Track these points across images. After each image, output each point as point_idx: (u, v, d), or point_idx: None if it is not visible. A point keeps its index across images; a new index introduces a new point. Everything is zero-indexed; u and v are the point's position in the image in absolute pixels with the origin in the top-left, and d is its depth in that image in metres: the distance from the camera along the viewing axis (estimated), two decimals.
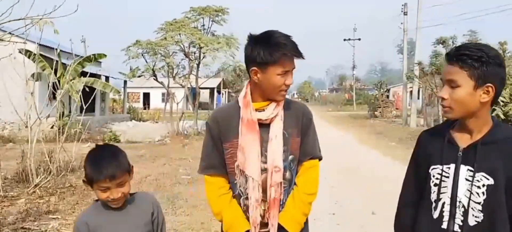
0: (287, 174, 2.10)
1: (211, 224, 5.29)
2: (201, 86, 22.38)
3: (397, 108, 34.20)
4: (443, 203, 1.76)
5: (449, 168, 1.75)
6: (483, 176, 1.69)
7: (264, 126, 2.07)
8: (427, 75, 21.53)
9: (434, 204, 1.78)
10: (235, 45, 20.54)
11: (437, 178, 1.78)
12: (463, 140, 1.77)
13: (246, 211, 2.11)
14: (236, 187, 2.11)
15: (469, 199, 1.70)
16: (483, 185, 1.69)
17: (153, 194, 2.16)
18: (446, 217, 1.75)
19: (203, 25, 20.50)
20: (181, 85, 21.78)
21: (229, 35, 20.66)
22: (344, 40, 50.14)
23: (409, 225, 1.88)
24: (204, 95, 44.46)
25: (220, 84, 49.92)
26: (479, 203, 1.69)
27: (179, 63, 21.33)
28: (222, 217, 2.14)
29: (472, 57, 1.66)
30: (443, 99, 1.73)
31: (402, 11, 27.37)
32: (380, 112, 31.73)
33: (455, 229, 1.73)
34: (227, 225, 2.12)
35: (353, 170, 9.52)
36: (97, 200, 2.02)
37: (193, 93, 21.17)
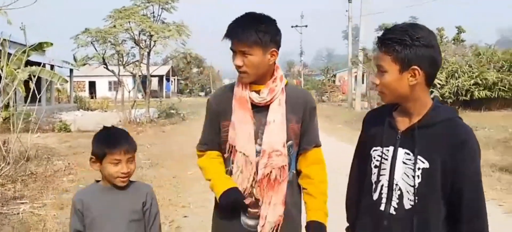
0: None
1: (178, 200, 5.65)
2: (151, 74, 22.32)
3: (343, 93, 35.58)
4: (382, 186, 1.74)
5: (388, 150, 1.73)
6: (419, 159, 1.65)
7: (261, 109, 2.04)
8: (370, 60, 22.63)
9: (374, 186, 1.76)
10: (186, 33, 20.64)
11: (377, 160, 1.76)
12: (402, 123, 1.73)
13: None
14: (229, 163, 2.10)
15: (405, 182, 1.68)
16: (419, 169, 1.65)
17: (150, 186, 2.25)
18: (383, 200, 1.72)
19: (153, 13, 20.41)
20: (131, 73, 21.64)
21: (180, 22, 20.73)
22: (292, 27, 51.05)
23: (355, 201, 1.90)
24: (153, 83, 43.93)
25: (169, 71, 49.53)
26: (413, 187, 1.65)
27: (129, 51, 21.21)
28: (211, 176, 2.13)
29: (395, 41, 1.62)
30: (375, 84, 1.74)
31: None
32: (327, 96, 32.90)
33: (391, 212, 1.70)
34: (214, 179, 2.11)
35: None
36: (97, 181, 2.12)
37: (143, 81, 21.09)
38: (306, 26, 52.57)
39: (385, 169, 1.72)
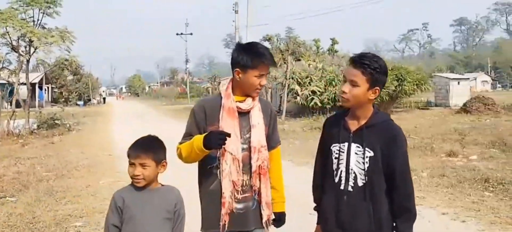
0: None
1: (103, 208, 5.70)
2: (21, 81, 20.58)
3: None
4: (341, 171, 2.31)
5: (344, 145, 2.31)
6: (366, 150, 2.25)
7: (243, 115, 2.53)
8: None
9: (335, 172, 2.33)
10: (70, 39, 19.69)
11: (336, 153, 2.34)
12: (353, 125, 2.32)
13: (220, 178, 2.51)
14: (214, 160, 2.51)
15: (358, 167, 2.27)
16: (367, 157, 2.25)
17: (179, 191, 2.46)
18: (343, 181, 2.30)
19: (32, 17, 19.09)
20: (7, 81, 19.96)
21: (63, 28, 19.70)
22: (177, 34, 50.95)
23: (319, 185, 2.46)
24: (23, 91, 40.33)
25: (42, 79, 45.93)
26: (364, 170, 2.25)
27: (4, 58, 19.53)
28: (189, 142, 2.46)
29: (371, 67, 2.20)
30: (344, 92, 2.26)
31: (233, 10, 29.54)
32: None
33: (348, 189, 2.28)
34: (193, 140, 2.44)
35: None
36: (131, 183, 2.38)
37: (11, 89, 19.43)
38: (191, 34, 52.89)
39: (342, 159, 2.32)
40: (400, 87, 22.38)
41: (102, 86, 70.29)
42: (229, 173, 2.50)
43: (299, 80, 22.44)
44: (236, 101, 2.52)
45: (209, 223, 2.56)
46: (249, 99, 2.55)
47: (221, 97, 2.55)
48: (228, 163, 2.50)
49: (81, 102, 53.09)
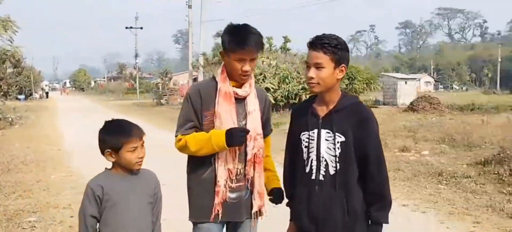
0: None
1: (57, 202, 5.40)
2: None
3: (182, 96, 36.09)
4: (311, 160, 2.20)
5: (313, 133, 2.20)
6: (337, 135, 2.15)
7: (239, 101, 2.40)
8: (211, 64, 23.65)
9: (305, 162, 2.22)
10: (13, 29, 18.67)
11: (306, 141, 2.22)
12: (321, 111, 2.22)
13: (215, 166, 2.39)
14: None
15: (329, 154, 2.16)
16: (338, 142, 2.14)
17: (155, 173, 2.39)
18: (314, 170, 2.19)
19: None
20: None
21: (6, 17, 18.61)
22: (127, 28, 49.47)
23: (290, 178, 2.38)
24: None
25: None
26: (335, 156, 2.15)
27: None
28: (204, 136, 2.34)
29: (331, 45, 2.11)
30: (311, 78, 2.15)
31: (187, 4, 29.05)
32: (166, 99, 32.99)
33: (320, 178, 2.17)
34: (211, 134, 2.32)
35: (168, 147, 10.19)
36: (108, 169, 2.24)
37: None
38: (141, 28, 51.52)
39: (313, 147, 2.20)
40: (351, 86, 22.99)
41: (45, 80, 67.15)
42: (225, 161, 2.39)
43: None
44: (233, 86, 2.40)
45: (199, 213, 2.43)
46: (247, 85, 2.42)
47: (216, 81, 2.42)
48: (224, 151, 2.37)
49: (22, 96, 50.35)
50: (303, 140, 2.23)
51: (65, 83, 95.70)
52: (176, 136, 2.43)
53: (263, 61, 25.09)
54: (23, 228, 4.67)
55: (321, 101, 2.23)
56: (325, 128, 2.17)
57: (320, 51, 2.12)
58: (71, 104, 33.81)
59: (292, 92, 21.97)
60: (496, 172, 7.07)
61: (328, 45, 2.11)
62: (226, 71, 2.41)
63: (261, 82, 22.21)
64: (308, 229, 2.23)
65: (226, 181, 2.39)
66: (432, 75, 76.20)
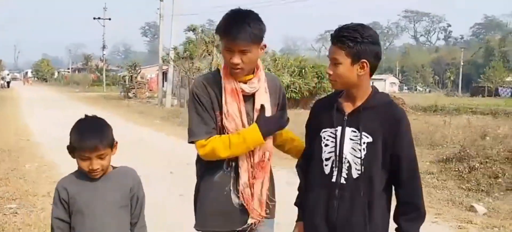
0: None
1: (36, 191, 5.42)
2: None
3: (150, 89, 35.73)
4: (332, 160, 1.97)
5: (336, 130, 1.97)
6: (364, 135, 1.92)
7: (247, 98, 2.14)
8: (181, 58, 23.54)
9: (325, 161, 1.99)
10: None
11: (327, 139, 1.99)
12: (348, 107, 1.99)
13: (230, 171, 2.18)
14: None
15: (353, 155, 1.93)
16: (364, 143, 1.91)
17: (135, 170, 2.16)
18: (335, 172, 1.96)
19: None
20: None
21: None
22: (94, 18, 48.42)
23: (304, 170, 2.14)
24: None
25: None
26: (360, 158, 1.91)
27: None
28: (235, 136, 2.10)
29: (349, 38, 1.88)
30: (329, 74, 1.97)
31: None
32: (134, 93, 32.58)
33: (341, 182, 1.95)
34: (242, 133, 2.11)
35: (140, 143, 10.19)
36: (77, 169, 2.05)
37: None
38: (110, 19, 50.48)
39: (334, 146, 1.98)
40: (320, 84, 23.41)
41: (6, 70, 64.90)
42: (245, 161, 2.17)
43: None
44: (239, 82, 2.12)
45: (207, 222, 2.23)
46: (255, 80, 2.15)
47: (221, 76, 2.15)
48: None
49: None
50: (324, 138, 2.02)
51: (26, 73, 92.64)
52: (194, 142, 2.14)
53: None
54: (4, 214, 4.70)
55: (348, 97, 2.03)
56: (350, 126, 1.97)
57: (337, 46, 1.93)
58: (35, 95, 32.91)
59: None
60: (456, 169, 7.50)
61: (346, 39, 1.90)
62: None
63: None
64: None
65: (243, 187, 2.17)
66: (397, 76, 78.26)
